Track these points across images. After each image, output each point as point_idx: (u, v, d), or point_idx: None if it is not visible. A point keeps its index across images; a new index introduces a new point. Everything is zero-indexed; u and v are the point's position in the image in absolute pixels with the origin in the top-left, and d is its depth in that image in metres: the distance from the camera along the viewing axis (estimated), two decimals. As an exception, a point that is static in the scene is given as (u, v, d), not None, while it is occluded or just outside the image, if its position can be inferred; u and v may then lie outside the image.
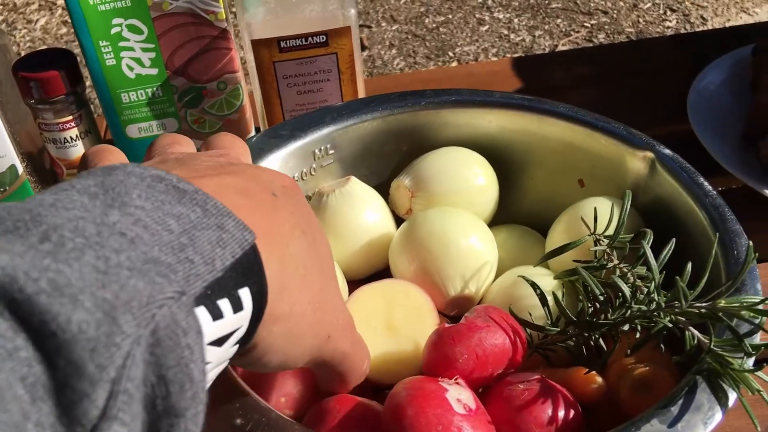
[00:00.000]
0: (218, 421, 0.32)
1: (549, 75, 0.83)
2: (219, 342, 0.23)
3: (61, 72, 0.60)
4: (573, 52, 0.96)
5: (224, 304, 0.23)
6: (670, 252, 0.37)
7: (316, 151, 0.49)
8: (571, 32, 1.88)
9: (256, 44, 0.60)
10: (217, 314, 0.23)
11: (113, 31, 0.58)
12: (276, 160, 0.47)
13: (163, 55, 0.60)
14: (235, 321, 0.24)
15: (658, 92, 0.77)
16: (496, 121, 0.50)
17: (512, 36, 1.87)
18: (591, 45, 1.82)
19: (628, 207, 0.40)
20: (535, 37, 1.86)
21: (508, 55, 1.80)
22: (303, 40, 0.60)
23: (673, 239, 0.37)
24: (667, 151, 0.44)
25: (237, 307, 0.24)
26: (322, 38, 0.61)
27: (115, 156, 0.32)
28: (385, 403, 0.35)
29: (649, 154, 0.44)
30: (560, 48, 1.83)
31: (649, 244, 0.37)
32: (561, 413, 0.34)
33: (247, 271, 0.24)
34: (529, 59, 0.89)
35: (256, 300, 0.25)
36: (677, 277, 0.33)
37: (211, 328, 0.23)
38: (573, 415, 0.34)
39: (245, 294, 0.24)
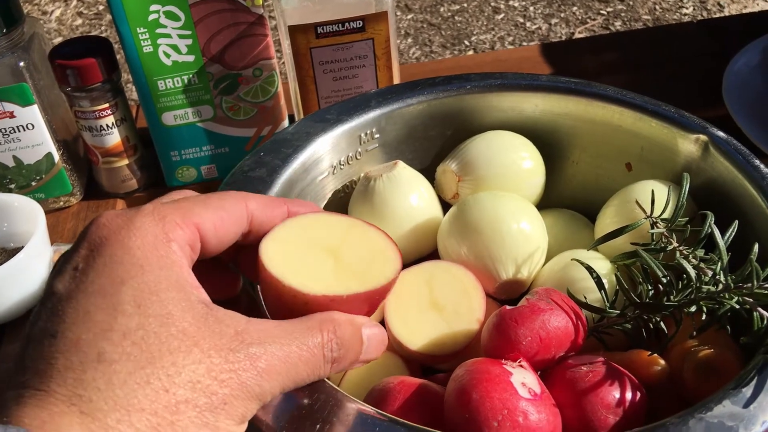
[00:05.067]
0: (285, 402, 0.32)
1: (578, 61, 0.82)
2: None
3: (98, 59, 0.60)
4: (600, 38, 0.96)
5: None
6: (734, 233, 0.36)
7: (362, 135, 0.48)
8: (588, 20, 1.87)
9: (293, 30, 0.60)
10: None
11: (151, 17, 0.58)
12: (324, 144, 0.46)
13: (200, 42, 0.60)
14: None
15: (686, 78, 0.76)
16: (542, 104, 0.50)
17: (528, 24, 1.86)
18: (608, 32, 1.81)
19: (687, 189, 0.39)
20: (551, 25, 1.85)
21: (525, 44, 1.79)
22: (340, 25, 0.60)
23: (736, 221, 0.37)
24: (721, 134, 0.44)
25: None
26: (359, 23, 0.60)
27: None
28: (447, 386, 0.35)
29: (703, 137, 0.44)
30: (577, 36, 1.82)
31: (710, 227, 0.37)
32: (627, 395, 0.34)
33: None
34: (557, 45, 0.89)
35: None
36: (751, 257, 0.33)
37: None
38: (639, 397, 0.34)
39: None
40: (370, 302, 0.33)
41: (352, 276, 0.32)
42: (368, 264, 0.34)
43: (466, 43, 1.80)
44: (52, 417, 0.23)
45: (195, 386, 0.25)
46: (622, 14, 1.88)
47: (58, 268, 0.27)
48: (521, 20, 1.87)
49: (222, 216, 0.30)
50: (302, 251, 0.33)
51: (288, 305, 0.31)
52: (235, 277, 0.36)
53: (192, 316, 0.27)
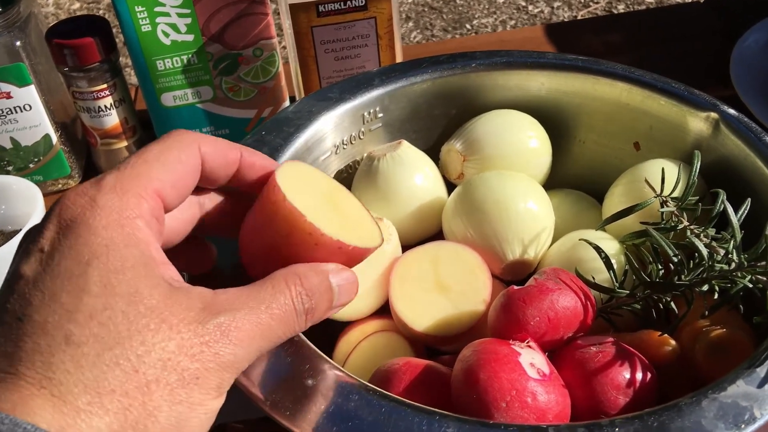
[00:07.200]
0: (290, 382, 0.31)
1: (581, 42, 0.81)
2: None
3: (95, 39, 0.59)
4: (604, 18, 0.94)
5: None
6: (747, 211, 0.36)
7: (366, 114, 0.47)
8: (591, 3, 1.85)
9: (294, 8, 0.59)
10: None
11: (149, -5, 0.57)
12: (327, 123, 0.46)
13: (199, 21, 0.59)
14: None
15: (693, 58, 0.75)
16: (549, 83, 0.49)
17: (530, 8, 1.84)
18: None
19: (698, 167, 0.39)
20: (553, 9, 1.83)
21: (527, 27, 1.77)
22: (342, 3, 0.59)
23: (749, 198, 0.36)
24: (732, 111, 0.43)
25: None
26: (361, 2, 0.59)
27: None
28: (454, 367, 0.34)
29: (714, 115, 0.43)
30: (580, 19, 1.80)
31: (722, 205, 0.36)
32: (638, 376, 0.33)
33: None
34: (561, 26, 0.88)
35: None
36: (766, 233, 0.32)
37: None
38: (649, 377, 0.34)
39: None
40: (357, 261, 0.32)
41: (351, 231, 0.32)
42: (359, 224, 0.33)
43: (468, 26, 1.79)
44: (23, 399, 0.23)
45: (166, 364, 0.25)
46: (626, -3, 1.86)
47: (23, 249, 0.27)
48: (523, 4, 1.85)
49: (179, 171, 0.30)
50: (310, 194, 0.32)
51: (294, 245, 0.30)
52: (209, 250, 0.35)
53: (159, 292, 0.26)
